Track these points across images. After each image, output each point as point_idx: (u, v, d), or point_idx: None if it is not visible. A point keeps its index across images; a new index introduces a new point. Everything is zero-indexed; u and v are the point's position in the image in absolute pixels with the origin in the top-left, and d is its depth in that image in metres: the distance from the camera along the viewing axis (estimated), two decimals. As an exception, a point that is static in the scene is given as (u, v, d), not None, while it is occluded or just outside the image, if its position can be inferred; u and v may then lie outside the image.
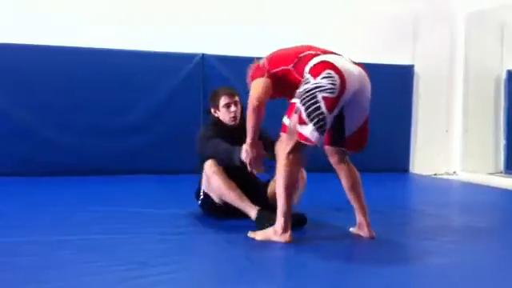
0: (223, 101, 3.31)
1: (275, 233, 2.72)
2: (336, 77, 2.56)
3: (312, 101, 2.54)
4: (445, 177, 6.35)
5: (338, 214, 3.52)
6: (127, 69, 5.36)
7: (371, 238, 2.86)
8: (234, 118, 3.30)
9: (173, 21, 5.54)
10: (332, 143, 2.88)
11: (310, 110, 2.54)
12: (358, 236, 2.90)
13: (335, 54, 2.81)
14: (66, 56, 5.20)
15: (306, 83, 2.60)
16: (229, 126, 3.32)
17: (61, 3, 5.27)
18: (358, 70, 2.74)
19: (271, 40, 5.82)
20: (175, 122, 5.47)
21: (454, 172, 6.53)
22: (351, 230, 2.98)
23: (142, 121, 5.41)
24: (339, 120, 2.74)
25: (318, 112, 2.54)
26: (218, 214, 3.25)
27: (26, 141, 5.07)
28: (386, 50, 6.31)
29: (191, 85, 5.57)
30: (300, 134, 2.59)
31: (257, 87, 2.81)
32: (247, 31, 5.67)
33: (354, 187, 2.92)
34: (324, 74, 2.56)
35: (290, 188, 2.69)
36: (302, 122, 2.57)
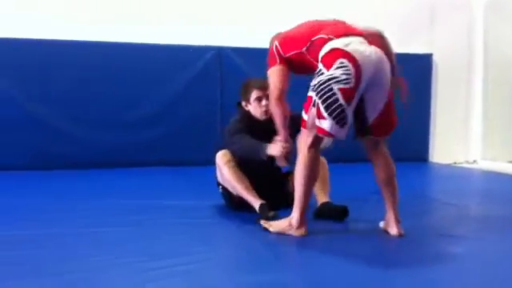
0: (255, 94, 3.21)
1: (290, 226, 2.68)
2: (350, 66, 2.44)
3: (329, 93, 2.44)
4: (465, 165, 6.28)
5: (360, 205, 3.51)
6: (143, 62, 5.38)
7: (399, 235, 2.70)
8: (266, 112, 3.16)
9: (189, 13, 5.55)
10: (357, 133, 2.75)
11: (327, 103, 2.44)
12: (386, 232, 2.79)
13: (347, 29, 2.70)
14: (81, 50, 5.23)
15: (320, 74, 2.49)
16: (259, 120, 3.23)
17: (75, -2, 5.32)
18: (372, 50, 2.56)
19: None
20: (192, 114, 5.49)
21: (474, 161, 6.45)
22: (380, 224, 2.85)
23: (158, 113, 5.43)
24: (359, 107, 2.59)
25: (336, 105, 2.44)
26: (234, 204, 3.26)
27: (40, 134, 5.12)
28: (404, 39, 6.24)
29: (208, 77, 5.58)
30: (319, 129, 2.51)
31: (273, 77, 2.79)
32: (264, 23, 5.64)
33: (388, 181, 2.82)
34: (337, 64, 2.45)
35: (309, 182, 2.64)
36: (320, 117, 2.48)
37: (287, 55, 2.76)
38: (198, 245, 2.53)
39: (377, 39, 2.68)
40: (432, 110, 6.49)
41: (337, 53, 2.49)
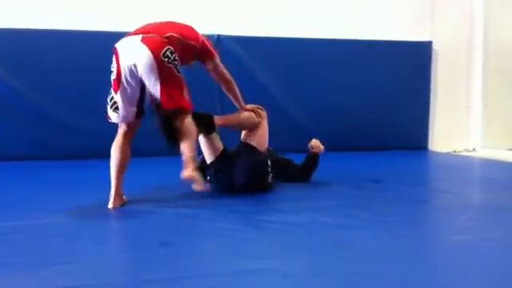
0: None
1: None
2: (114, 60, 2.97)
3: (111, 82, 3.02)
4: (464, 154, 6.29)
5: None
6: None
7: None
8: None
9: (189, 1, 5.52)
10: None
11: (110, 91, 3.04)
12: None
13: (141, 29, 3.11)
14: (84, 40, 5.21)
15: None
16: None
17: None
18: (130, 44, 2.98)
19: (288, 20, 5.83)
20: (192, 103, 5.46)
21: (474, 149, 6.46)
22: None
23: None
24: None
25: (110, 95, 3.03)
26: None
27: (44, 124, 5.12)
28: (404, 26, 6.24)
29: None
30: (107, 113, 3.07)
31: None
32: (263, 11, 5.64)
33: None
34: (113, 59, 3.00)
35: (112, 167, 3.09)
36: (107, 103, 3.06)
37: None
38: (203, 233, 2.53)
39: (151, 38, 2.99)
40: (432, 98, 6.48)
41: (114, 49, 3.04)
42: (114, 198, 3.03)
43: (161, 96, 2.94)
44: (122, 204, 3.06)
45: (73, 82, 5.20)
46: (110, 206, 3.02)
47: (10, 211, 2.95)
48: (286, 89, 5.85)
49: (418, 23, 6.33)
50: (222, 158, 3.44)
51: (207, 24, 5.48)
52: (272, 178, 3.49)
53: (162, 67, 2.90)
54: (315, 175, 3.87)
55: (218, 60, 3.33)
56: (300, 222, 2.72)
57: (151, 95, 3.03)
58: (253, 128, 3.54)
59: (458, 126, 6.56)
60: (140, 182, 3.81)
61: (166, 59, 2.91)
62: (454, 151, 6.38)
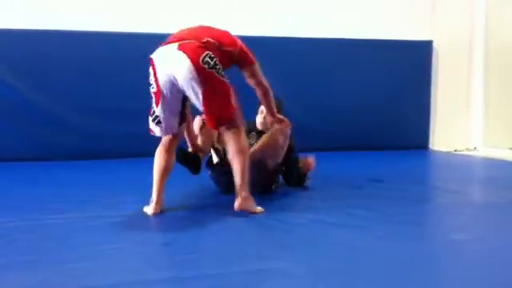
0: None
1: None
2: (151, 72, 2.84)
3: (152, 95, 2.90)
4: (465, 153, 6.28)
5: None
6: (145, 52, 5.33)
7: (237, 209, 2.86)
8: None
9: (190, 2, 5.52)
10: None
11: (151, 104, 2.91)
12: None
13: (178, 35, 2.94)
14: (83, 40, 5.22)
15: None
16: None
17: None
18: (167, 53, 2.83)
19: (287, 19, 5.84)
20: (192, 104, 5.46)
21: (475, 148, 6.45)
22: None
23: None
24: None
25: (152, 106, 2.90)
26: (222, 185, 3.46)
27: (48, 125, 5.12)
28: (405, 25, 6.24)
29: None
30: (149, 128, 2.97)
31: None
32: (263, 11, 5.64)
33: (231, 161, 2.91)
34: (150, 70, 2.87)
35: (156, 172, 2.97)
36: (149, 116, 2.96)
37: None
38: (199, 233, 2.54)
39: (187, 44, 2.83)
40: (432, 97, 6.48)
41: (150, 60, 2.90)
42: (156, 205, 2.92)
43: (204, 108, 2.80)
44: (160, 211, 2.93)
45: (77, 82, 5.20)
46: (150, 211, 2.90)
47: (13, 211, 2.95)
48: (286, 88, 5.82)
49: (418, 22, 6.33)
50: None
51: (207, 23, 5.49)
52: (277, 184, 3.49)
53: (202, 74, 2.72)
54: (316, 175, 3.86)
55: (256, 67, 3.08)
56: (301, 222, 2.72)
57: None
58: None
59: (459, 125, 6.56)
60: (141, 183, 3.81)
61: (206, 65, 2.73)
62: (455, 150, 6.37)
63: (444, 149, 6.35)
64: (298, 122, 6.07)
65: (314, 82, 5.92)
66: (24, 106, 5.08)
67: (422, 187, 3.90)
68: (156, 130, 2.93)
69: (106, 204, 3.14)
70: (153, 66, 2.83)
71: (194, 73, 2.71)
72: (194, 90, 2.75)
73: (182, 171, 3.12)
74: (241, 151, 2.84)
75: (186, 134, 3.15)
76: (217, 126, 2.89)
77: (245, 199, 2.86)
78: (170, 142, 2.98)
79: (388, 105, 6.12)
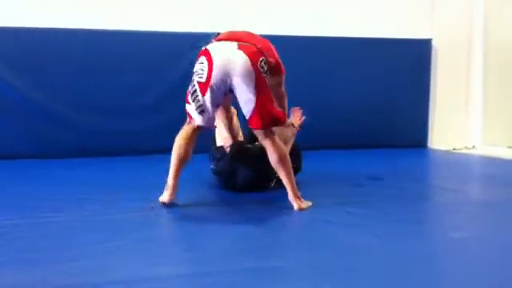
0: None
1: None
2: (206, 63, 2.85)
3: (192, 83, 2.92)
4: (464, 151, 6.28)
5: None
6: (144, 50, 5.35)
7: (299, 209, 2.90)
8: None
9: (188, 1, 5.51)
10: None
11: (191, 91, 2.91)
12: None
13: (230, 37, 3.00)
14: (82, 38, 5.19)
15: None
16: None
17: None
18: (226, 49, 2.88)
19: (285, 18, 5.83)
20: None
21: (474, 146, 6.46)
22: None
23: (159, 101, 5.37)
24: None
25: (195, 94, 2.89)
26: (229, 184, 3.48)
27: (46, 123, 5.11)
28: (403, 24, 6.24)
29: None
30: (187, 113, 2.97)
31: None
32: (263, 10, 5.63)
33: (276, 165, 2.96)
34: (199, 60, 2.91)
35: (174, 159, 3.00)
36: (187, 101, 2.97)
37: None
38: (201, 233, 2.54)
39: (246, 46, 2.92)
40: (431, 96, 6.47)
41: (202, 51, 2.93)
42: (171, 192, 2.95)
43: (254, 108, 2.87)
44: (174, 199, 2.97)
45: (75, 80, 5.17)
46: (166, 199, 2.94)
47: (11, 209, 2.94)
48: (285, 87, 5.84)
49: (417, 21, 6.32)
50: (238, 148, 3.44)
51: (207, 22, 5.50)
52: (276, 182, 3.49)
53: (259, 77, 2.84)
54: (315, 173, 3.86)
55: (283, 77, 3.26)
56: (299, 220, 2.73)
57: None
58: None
59: (458, 124, 6.55)
60: (140, 180, 3.81)
61: (262, 69, 2.86)
62: (454, 149, 6.37)
63: (443, 147, 6.35)
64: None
65: (313, 81, 5.90)
66: (22, 103, 5.05)
67: (421, 185, 3.90)
68: (198, 118, 2.94)
69: (105, 202, 3.12)
70: (209, 57, 2.87)
71: (252, 74, 2.82)
72: (247, 88, 2.84)
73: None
74: (282, 159, 2.94)
75: (226, 127, 3.38)
76: (263, 126, 2.93)
77: (300, 203, 2.95)
78: (193, 131, 3.01)
79: (387, 103, 6.11)
